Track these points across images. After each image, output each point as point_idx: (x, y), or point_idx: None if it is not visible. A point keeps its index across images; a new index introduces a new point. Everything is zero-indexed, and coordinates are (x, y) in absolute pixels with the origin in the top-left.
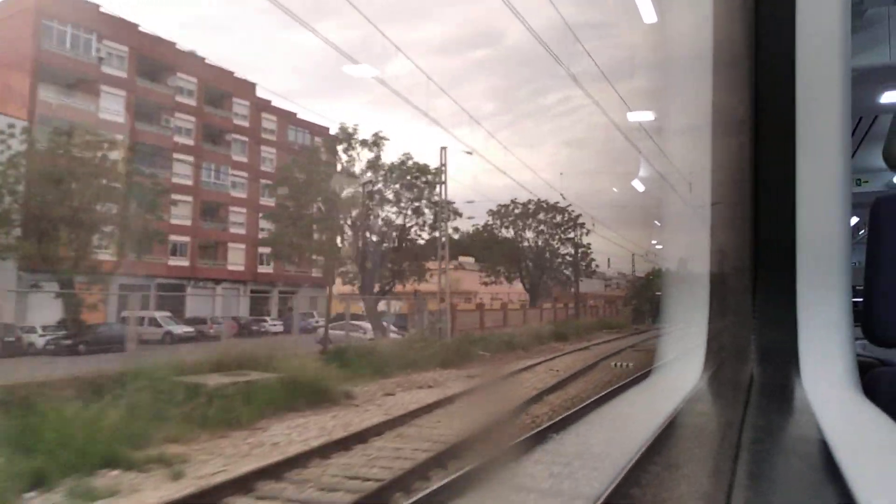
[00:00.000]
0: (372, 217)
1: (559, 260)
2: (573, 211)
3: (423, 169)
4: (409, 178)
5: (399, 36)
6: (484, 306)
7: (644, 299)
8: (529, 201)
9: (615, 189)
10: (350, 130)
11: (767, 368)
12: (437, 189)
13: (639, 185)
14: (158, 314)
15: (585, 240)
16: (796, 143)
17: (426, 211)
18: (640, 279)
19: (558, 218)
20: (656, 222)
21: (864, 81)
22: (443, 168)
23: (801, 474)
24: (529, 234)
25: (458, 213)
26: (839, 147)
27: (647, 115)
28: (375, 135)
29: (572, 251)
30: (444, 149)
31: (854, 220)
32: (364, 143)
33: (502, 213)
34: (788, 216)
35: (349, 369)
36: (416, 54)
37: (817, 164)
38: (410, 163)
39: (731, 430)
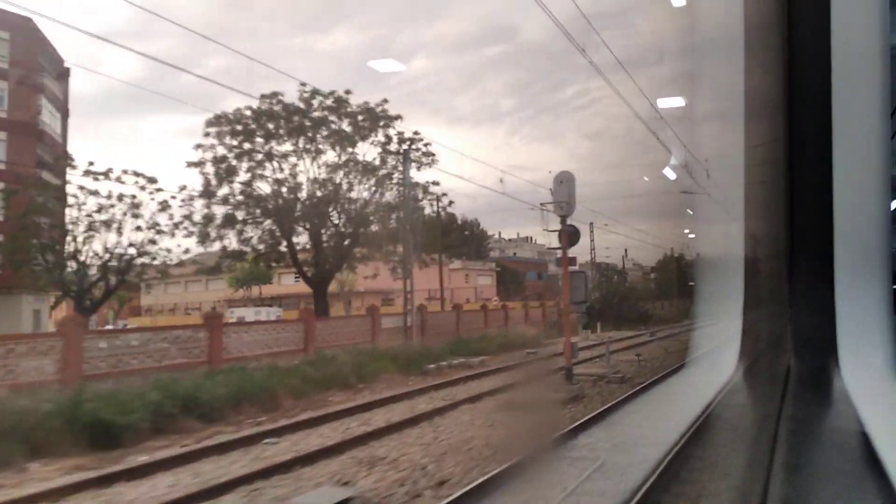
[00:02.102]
0: None
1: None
2: (391, 115)
3: None
4: None
5: (416, 35)
6: None
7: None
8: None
9: (645, 178)
10: None
11: (805, 358)
12: None
13: (669, 174)
14: None
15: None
16: (832, 124)
17: None
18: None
19: (345, 125)
20: (688, 211)
21: None
22: None
23: (841, 466)
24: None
25: None
26: (878, 128)
27: (676, 102)
28: None
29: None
30: None
31: (894, 204)
32: None
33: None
34: (825, 201)
35: None
36: (432, 52)
37: (855, 147)
38: None
39: (767, 422)
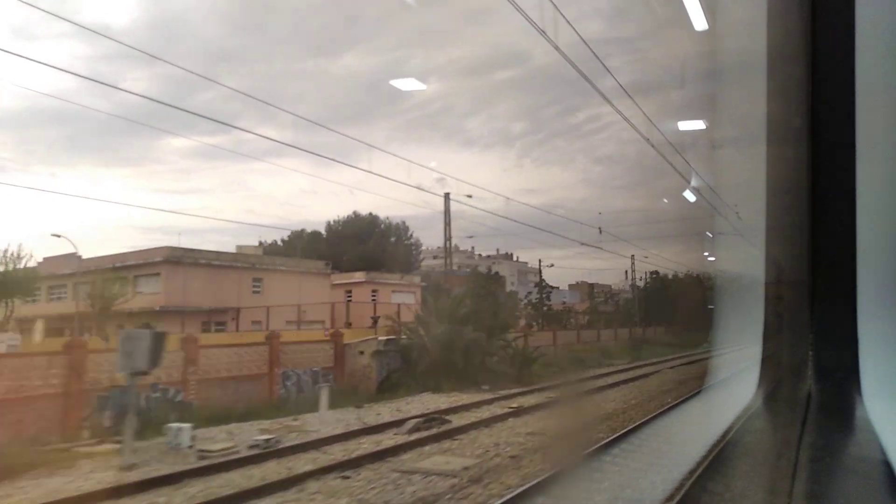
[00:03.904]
0: None
1: None
2: None
3: None
4: None
5: (428, 59)
6: None
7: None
8: None
9: (664, 200)
10: None
11: (826, 385)
12: None
13: (688, 197)
14: None
15: None
16: (856, 150)
17: None
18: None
19: None
20: (708, 233)
21: None
22: None
23: (863, 496)
24: None
25: None
26: None
27: (697, 125)
28: None
29: None
30: None
31: None
32: None
33: None
34: (848, 227)
35: None
36: (444, 76)
37: (879, 173)
38: None
39: (788, 449)
